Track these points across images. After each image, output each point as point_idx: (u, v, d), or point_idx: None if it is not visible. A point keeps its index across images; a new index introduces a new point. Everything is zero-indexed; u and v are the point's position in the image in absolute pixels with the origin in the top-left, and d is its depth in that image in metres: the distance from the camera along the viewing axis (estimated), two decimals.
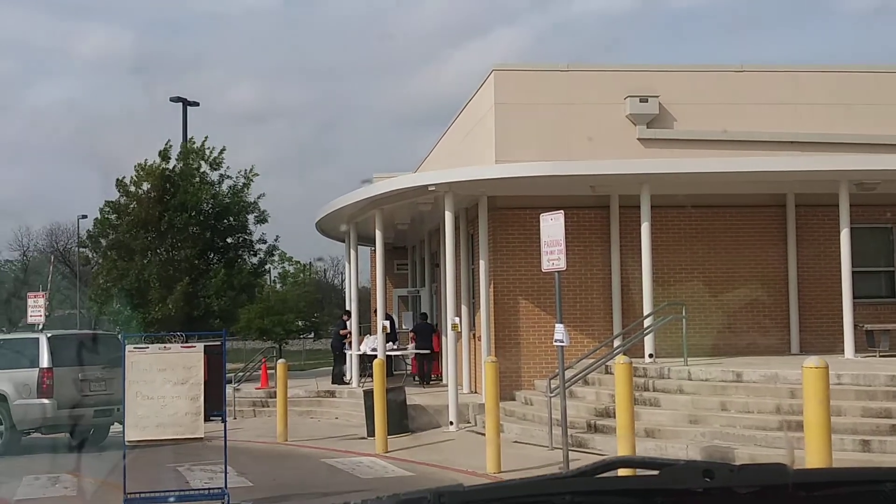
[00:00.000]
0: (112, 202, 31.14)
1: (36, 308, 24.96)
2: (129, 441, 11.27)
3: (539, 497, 1.67)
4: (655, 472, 1.68)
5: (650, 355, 18.05)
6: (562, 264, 13.44)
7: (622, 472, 1.79)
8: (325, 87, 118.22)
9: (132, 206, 30.68)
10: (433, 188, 18.73)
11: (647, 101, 19.75)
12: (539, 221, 14.03)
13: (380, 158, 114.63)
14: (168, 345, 12.18)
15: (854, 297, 18.37)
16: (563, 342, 13.73)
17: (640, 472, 1.72)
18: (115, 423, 17.22)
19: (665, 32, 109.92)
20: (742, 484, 1.64)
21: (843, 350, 18.05)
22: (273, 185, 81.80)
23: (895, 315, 20.34)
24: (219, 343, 12.16)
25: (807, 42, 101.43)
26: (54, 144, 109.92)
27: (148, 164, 31.07)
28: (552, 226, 13.53)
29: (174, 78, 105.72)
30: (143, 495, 11.13)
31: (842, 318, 18.34)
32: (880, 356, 18.02)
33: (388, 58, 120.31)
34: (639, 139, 19.92)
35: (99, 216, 31.77)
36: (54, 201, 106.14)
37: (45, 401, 17.43)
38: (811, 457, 9.54)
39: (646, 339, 18.17)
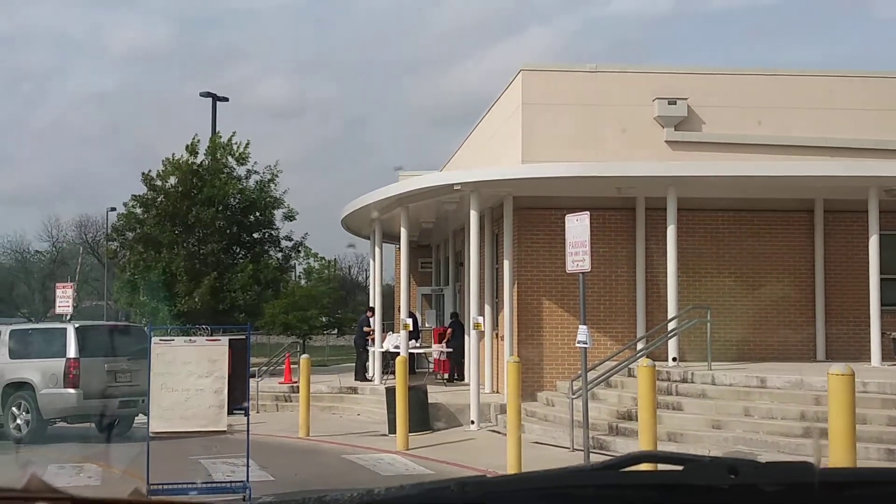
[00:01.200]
0: (138, 196, 31.37)
1: (64, 298, 25.20)
2: (153, 432, 11.35)
3: (563, 489, 1.67)
4: (680, 468, 1.68)
5: (674, 359, 17.99)
6: (586, 266, 13.43)
7: (646, 466, 1.79)
8: (356, 83, 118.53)
9: (159, 199, 30.90)
10: (459, 187, 18.75)
11: (675, 103, 19.66)
12: (564, 222, 14.02)
13: (410, 155, 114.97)
14: (193, 338, 12.26)
15: (882, 305, 18.23)
16: (585, 344, 13.72)
17: (665, 467, 1.72)
18: (140, 415, 17.37)
19: (697, 34, 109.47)
20: (767, 481, 1.64)
21: (869, 358, 17.93)
22: (301, 180, 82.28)
23: None
24: (243, 337, 12.23)
25: (840, 47, 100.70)
26: (86, 137, 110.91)
27: (175, 158, 31.29)
28: (577, 227, 13.51)
29: (206, 72, 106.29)
30: (165, 486, 11.20)
31: (869, 325, 18.21)
32: None
33: (420, 55, 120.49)
34: (666, 141, 19.84)
35: (125, 210, 32.04)
36: (85, 193, 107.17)
37: (72, 391, 17.58)
38: (835, 465, 9.49)
39: (669, 342, 18.11)
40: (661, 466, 1.73)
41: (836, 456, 9.53)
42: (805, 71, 21.23)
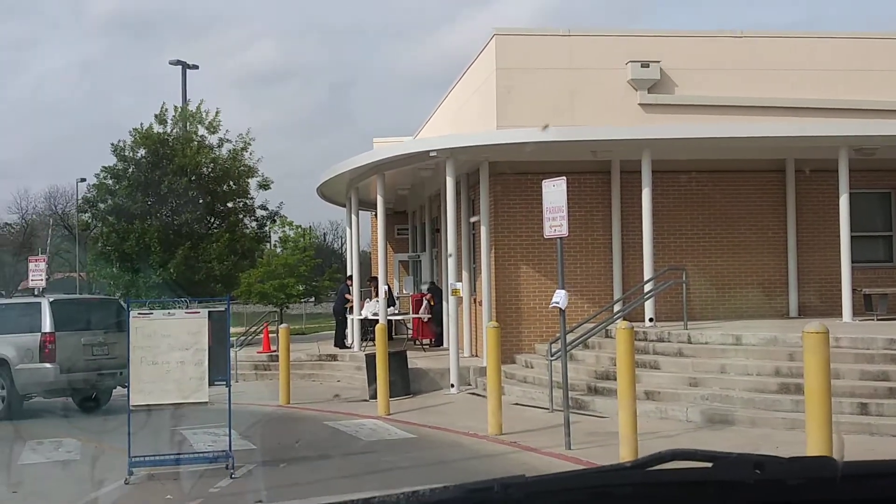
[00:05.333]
0: (109, 167, 31.08)
1: (37, 272, 25.02)
2: (133, 405, 11.36)
3: (601, 488, 1.77)
4: (709, 465, 1.77)
5: (650, 319, 18.16)
6: (564, 230, 13.46)
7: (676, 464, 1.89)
8: (343, 48, 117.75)
9: (130, 170, 30.65)
10: (434, 154, 18.74)
11: (648, 66, 19.72)
12: (540, 187, 14.04)
13: (395, 121, 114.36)
14: (172, 311, 12.25)
15: (852, 262, 18.46)
16: (559, 304, 13.74)
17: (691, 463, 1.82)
18: (119, 387, 17.37)
19: None
20: (791, 476, 1.73)
21: (840, 314, 18.17)
22: (284, 148, 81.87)
23: (892, 279, 20.46)
24: (223, 309, 12.24)
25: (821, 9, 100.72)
26: (59, 107, 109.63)
27: (144, 128, 31.03)
28: (554, 192, 13.52)
29: (186, 39, 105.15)
30: (147, 458, 11.25)
31: (840, 282, 18.44)
32: (878, 320, 18.15)
33: (407, 18, 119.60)
34: (640, 104, 19.91)
35: (96, 181, 31.77)
36: (54, 165, 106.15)
37: (48, 365, 17.51)
38: (810, 420, 9.64)
39: (646, 303, 18.28)
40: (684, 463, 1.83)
41: (811, 411, 9.66)
42: (773, 32, 21.36)
